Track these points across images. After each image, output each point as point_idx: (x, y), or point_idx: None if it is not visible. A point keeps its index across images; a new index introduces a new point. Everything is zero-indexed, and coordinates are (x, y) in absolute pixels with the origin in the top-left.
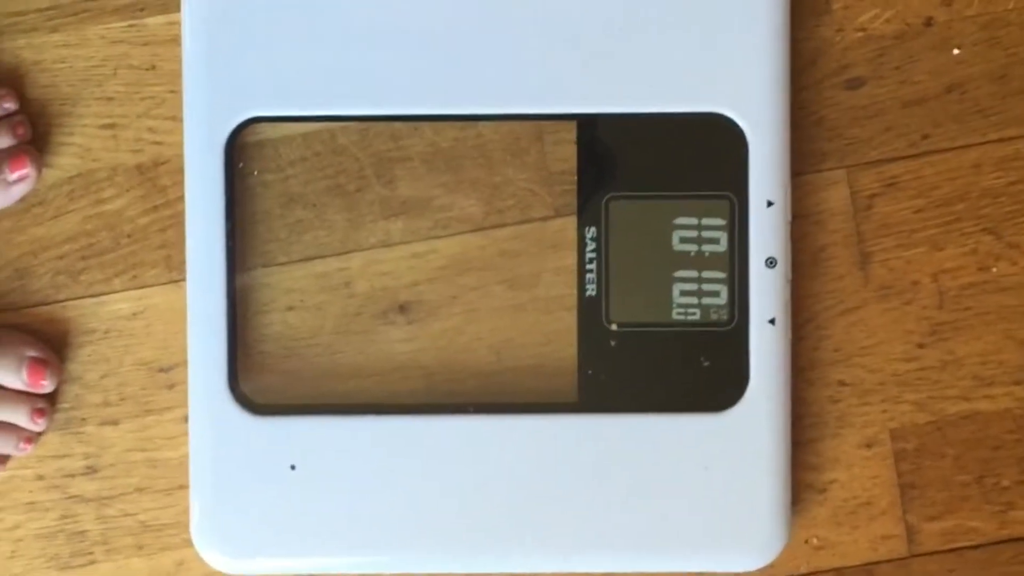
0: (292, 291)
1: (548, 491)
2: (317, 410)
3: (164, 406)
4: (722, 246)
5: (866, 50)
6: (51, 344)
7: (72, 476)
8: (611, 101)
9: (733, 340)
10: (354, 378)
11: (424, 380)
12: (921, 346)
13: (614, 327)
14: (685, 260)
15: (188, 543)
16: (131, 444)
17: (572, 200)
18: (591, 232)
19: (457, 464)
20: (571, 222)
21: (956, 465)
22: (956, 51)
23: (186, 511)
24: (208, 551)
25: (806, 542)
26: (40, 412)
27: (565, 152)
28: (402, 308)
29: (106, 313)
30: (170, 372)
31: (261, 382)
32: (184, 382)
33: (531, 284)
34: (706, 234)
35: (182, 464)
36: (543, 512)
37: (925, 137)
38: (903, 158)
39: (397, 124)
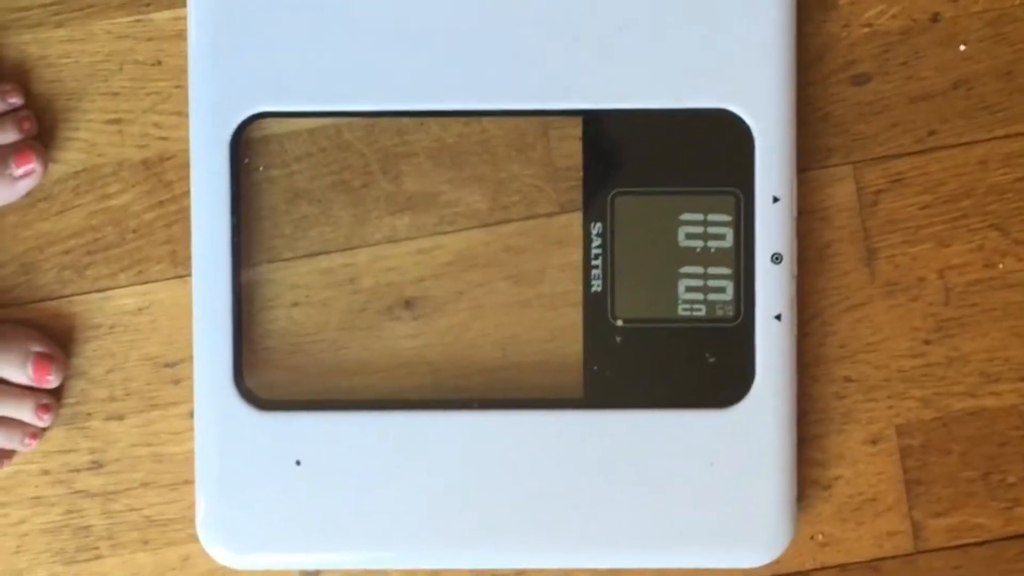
0: (297, 287)
1: (553, 487)
2: (322, 406)
3: (169, 401)
4: (728, 242)
5: (872, 46)
6: (57, 339)
7: (77, 471)
8: (617, 97)
9: (739, 336)
10: (359, 374)
11: (429, 376)
12: (927, 342)
13: (620, 323)
14: (691, 256)
15: (193, 538)
16: (136, 439)
17: (578, 196)
18: (597, 228)
19: (462, 460)
20: (577, 218)
21: (962, 461)
22: (962, 47)
23: (191, 506)
24: (213, 546)
25: (811, 538)
26: (45, 408)
27: (571, 148)
28: (407, 304)
29: (112, 308)
30: (175, 367)
31: (266, 378)
32: (189, 377)
33: (536, 280)
34: (712, 230)
35: (187, 459)
36: (548, 508)
37: (931, 133)
38: (909, 154)
39: (403, 120)
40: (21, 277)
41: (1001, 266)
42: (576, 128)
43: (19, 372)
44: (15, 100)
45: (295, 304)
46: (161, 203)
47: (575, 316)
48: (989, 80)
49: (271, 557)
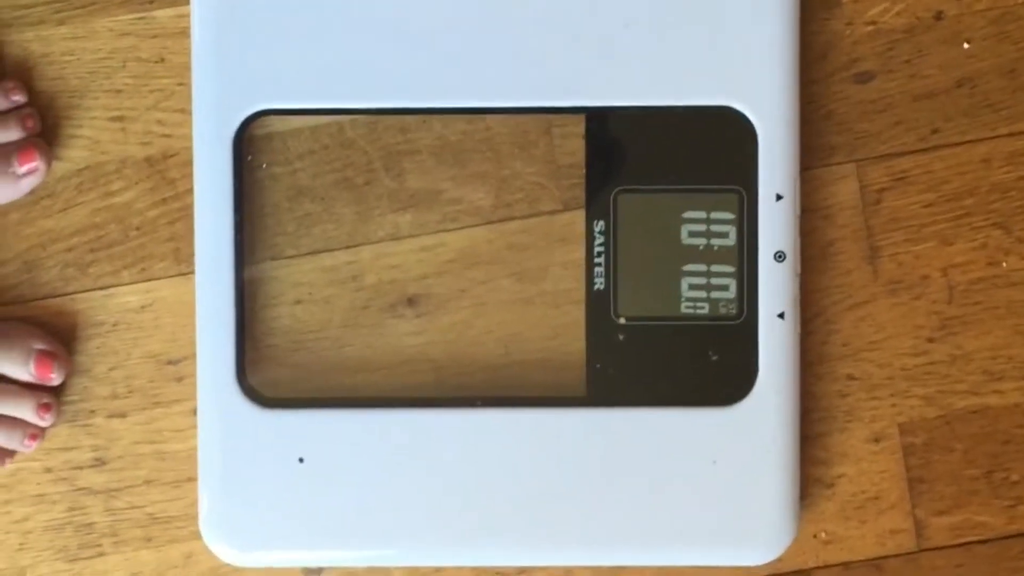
0: (300, 284)
1: (556, 485)
2: (325, 403)
3: (172, 399)
4: (731, 240)
5: (876, 44)
6: (59, 337)
7: (80, 468)
8: (620, 94)
9: (742, 334)
10: (362, 371)
11: (432, 373)
12: (930, 341)
13: (622, 321)
14: (694, 254)
15: (196, 535)
16: (139, 436)
17: (580, 194)
18: (599, 226)
19: (465, 458)
20: (579, 216)
21: (965, 460)
22: (966, 45)
23: (194, 503)
24: (216, 543)
25: (814, 536)
26: (46, 407)
27: (573, 145)
28: (410, 301)
29: (114, 306)
30: (178, 365)
31: (269, 375)
32: (192, 375)
33: (539, 278)
34: (715, 228)
35: (190, 457)
36: (551, 506)
37: (935, 131)
38: (912, 152)
39: (406, 117)
40: (24, 275)
41: (1004, 264)
42: (579, 125)
43: (22, 370)
44: (18, 98)
45: (298, 302)
46: (164, 200)
47: (578, 314)
48: (993, 78)
49: (274, 555)
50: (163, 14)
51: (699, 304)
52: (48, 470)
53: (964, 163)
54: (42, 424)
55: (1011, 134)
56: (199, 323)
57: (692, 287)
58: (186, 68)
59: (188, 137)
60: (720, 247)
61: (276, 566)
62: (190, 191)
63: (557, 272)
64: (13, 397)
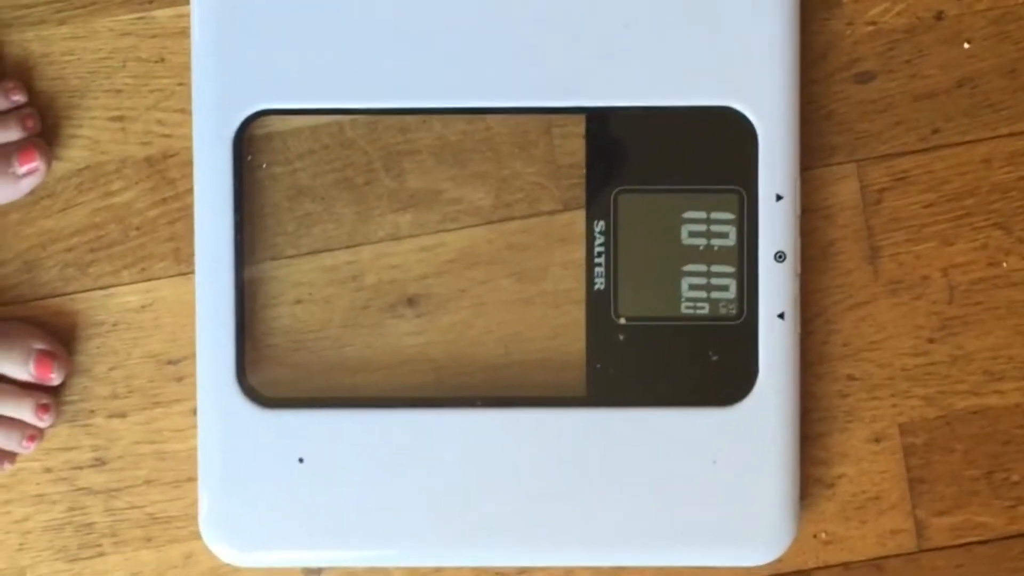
0: (300, 284)
1: (556, 485)
2: (325, 403)
3: (172, 399)
4: (731, 240)
5: (876, 44)
6: (59, 337)
7: (80, 468)
8: (620, 94)
9: (742, 334)
10: (362, 371)
11: (432, 373)
12: (931, 341)
13: (622, 321)
14: (694, 254)
15: (196, 535)
16: (139, 436)
17: (581, 194)
18: (600, 226)
19: (465, 458)
20: (580, 216)
21: (965, 460)
22: (966, 45)
23: (194, 503)
24: (216, 543)
25: (814, 536)
26: (45, 408)
27: (574, 145)
28: (410, 301)
29: (114, 306)
30: (178, 365)
31: (269, 375)
32: (192, 375)
33: (539, 278)
34: (715, 228)
35: (190, 457)
36: (551, 506)
37: (935, 131)
38: (913, 152)
39: (406, 117)
40: (24, 275)
41: (1005, 264)
42: (579, 126)
43: (21, 370)
44: (18, 97)
45: (298, 301)
46: (164, 200)
47: (578, 314)
48: (993, 78)
49: (274, 555)
50: (163, 14)
51: (699, 304)
52: (48, 470)
53: (965, 163)
54: (41, 425)
55: (1012, 134)
56: (199, 323)
57: (692, 287)
58: (186, 68)
59: (188, 137)
60: (720, 247)
61: (276, 566)
62: (190, 191)
63: (557, 272)
64: (12, 398)
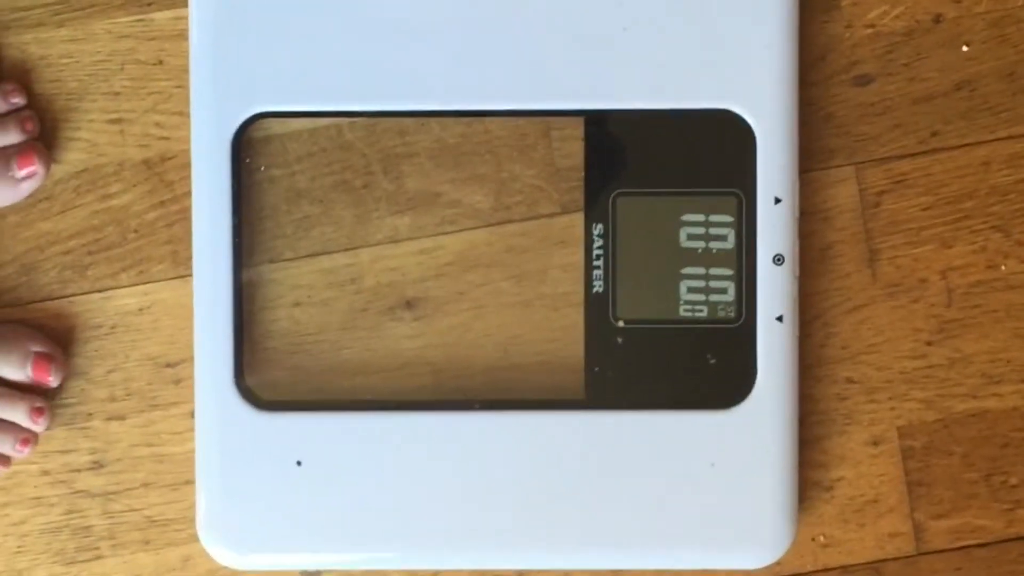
0: (299, 287)
1: (554, 488)
2: (323, 406)
3: (170, 401)
4: (729, 243)
5: (875, 47)
6: (57, 339)
7: (78, 471)
8: (619, 97)
9: (740, 337)
10: (360, 374)
11: (431, 376)
12: (929, 344)
13: (621, 324)
14: (692, 257)
15: (194, 538)
16: (137, 439)
17: (579, 196)
18: (598, 228)
19: (463, 461)
20: (578, 218)
21: (964, 463)
22: (965, 48)
23: (192, 506)
24: (214, 546)
25: (813, 540)
26: (39, 411)
27: (572, 148)
28: (409, 304)
29: (112, 308)
30: (176, 367)
31: (267, 378)
32: (190, 377)
33: (538, 280)
34: (713, 231)
35: (188, 459)
36: (549, 509)
37: (934, 134)
38: (912, 155)
39: (404, 120)
40: (22, 277)
41: (1003, 267)
42: (578, 128)
43: (19, 372)
44: (17, 100)
45: (296, 304)
46: (162, 203)
47: (576, 317)
48: (992, 81)
49: (272, 557)
50: (161, 16)
51: (698, 307)
52: (45, 473)
53: (963, 166)
54: (35, 428)
55: (1010, 137)
56: (197, 326)
57: (691, 290)
58: (184, 71)
59: (186, 139)
60: (719, 250)
61: (274, 569)
62: (188, 194)
63: (556, 275)
64: (6, 401)
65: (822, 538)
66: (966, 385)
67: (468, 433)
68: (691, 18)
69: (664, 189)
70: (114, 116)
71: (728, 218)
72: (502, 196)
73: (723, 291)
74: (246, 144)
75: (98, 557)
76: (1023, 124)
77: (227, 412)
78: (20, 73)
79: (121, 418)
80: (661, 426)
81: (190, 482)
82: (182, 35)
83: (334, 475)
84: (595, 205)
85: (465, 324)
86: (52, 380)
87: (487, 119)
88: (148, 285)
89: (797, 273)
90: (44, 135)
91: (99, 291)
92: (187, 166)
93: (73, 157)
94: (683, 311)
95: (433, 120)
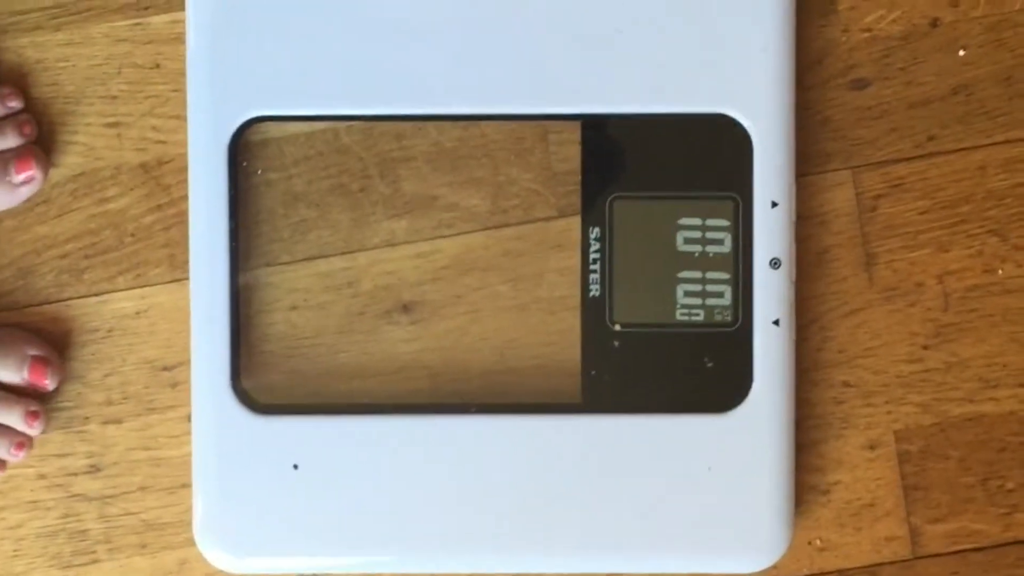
0: (295, 290)
1: (551, 492)
2: (320, 410)
3: (167, 405)
4: (726, 247)
5: (872, 51)
6: (54, 343)
7: (75, 475)
8: (616, 101)
9: (737, 341)
10: (357, 378)
11: (427, 380)
12: (926, 348)
13: (618, 327)
14: (689, 261)
15: (191, 542)
16: (134, 443)
17: (576, 200)
18: (595, 232)
19: (460, 464)
20: (575, 222)
21: (960, 467)
22: (962, 52)
23: (189, 510)
24: (211, 550)
25: (809, 544)
26: (34, 415)
27: (569, 152)
28: (406, 308)
29: (109, 312)
30: (173, 371)
31: (264, 381)
32: (187, 381)
33: (535, 284)
34: (710, 235)
35: (185, 463)
36: (546, 513)
37: (931, 138)
38: (908, 159)
39: (401, 124)
40: (18, 281)
41: (1000, 272)
42: (575, 132)
43: (15, 376)
44: (15, 104)
45: (293, 308)
46: (159, 207)
47: (573, 320)
48: (988, 85)
49: (268, 561)
50: (158, 20)
51: (694, 311)
52: (42, 476)
53: (960, 170)
54: (30, 432)
55: (1007, 141)
56: (194, 329)
57: (687, 294)
58: (181, 74)
59: (183, 143)
60: (715, 254)
61: (270, 573)
62: (185, 197)
63: (552, 279)
64: (2, 404)
65: (818, 542)
66: (963, 389)
67: (465, 437)
68: (688, 22)
69: (661, 193)
70: (111, 120)
71: (725, 222)
72: (499, 200)
73: (720, 295)
74: (243, 148)
75: (95, 561)
76: (1020, 128)
77: (224, 416)
78: (17, 77)
79: (118, 422)
80: (658, 430)
81: (187, 486)
82: (179, 39)
83: (331, 479)
84: (592, 209)
85: (462, 328)
86: (48, 384)
87: (484, 123)
88: (145, 289)
89: (794, 277)
90: (41, 139)
91: (96, 295)
92: (184, 170)
93: (70, 161)
94: (680, 315)
95: (430, 124)
